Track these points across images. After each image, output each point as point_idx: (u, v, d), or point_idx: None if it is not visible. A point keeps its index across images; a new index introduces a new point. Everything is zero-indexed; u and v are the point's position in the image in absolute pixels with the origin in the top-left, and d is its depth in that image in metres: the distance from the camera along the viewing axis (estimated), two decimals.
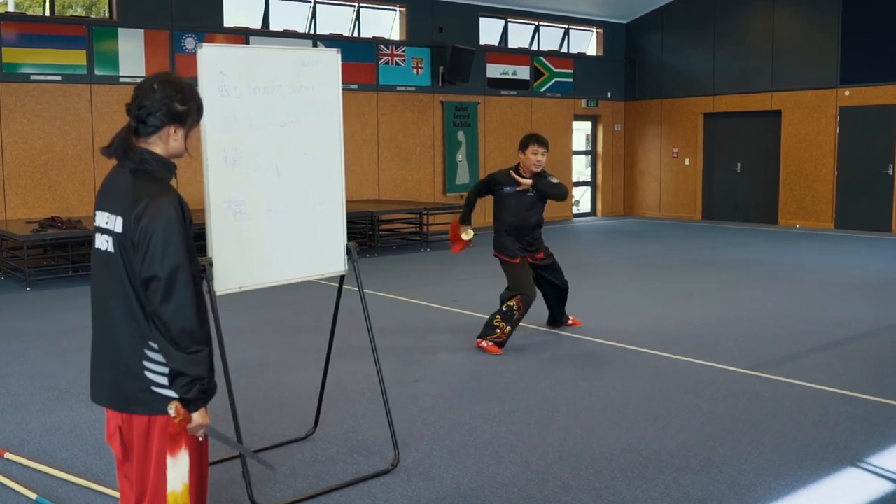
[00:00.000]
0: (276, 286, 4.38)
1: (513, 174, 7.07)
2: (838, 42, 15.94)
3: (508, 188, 7.05)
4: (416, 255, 13.10)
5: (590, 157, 19.80)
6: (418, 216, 14.04)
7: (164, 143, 2.72)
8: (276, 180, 4.18)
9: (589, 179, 19.81)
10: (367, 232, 13.30)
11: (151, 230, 2.54)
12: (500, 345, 6.80)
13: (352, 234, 13.48)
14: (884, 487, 4.18)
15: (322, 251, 4.41)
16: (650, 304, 8.93)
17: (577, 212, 19.49)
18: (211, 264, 3.95)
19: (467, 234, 7.21)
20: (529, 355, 6.75)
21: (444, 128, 16.60)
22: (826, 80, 16.16)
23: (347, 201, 14.72)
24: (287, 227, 4.25)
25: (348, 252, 4.47)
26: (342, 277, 4.57)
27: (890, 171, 15.41)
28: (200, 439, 2.70)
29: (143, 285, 2.56)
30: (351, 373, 6.21)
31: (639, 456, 4.51)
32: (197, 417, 2.60)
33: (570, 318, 7.77)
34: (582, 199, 19.80)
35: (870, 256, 12.45)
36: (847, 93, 15.85)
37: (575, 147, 19.11)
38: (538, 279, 7.24)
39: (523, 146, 7.12)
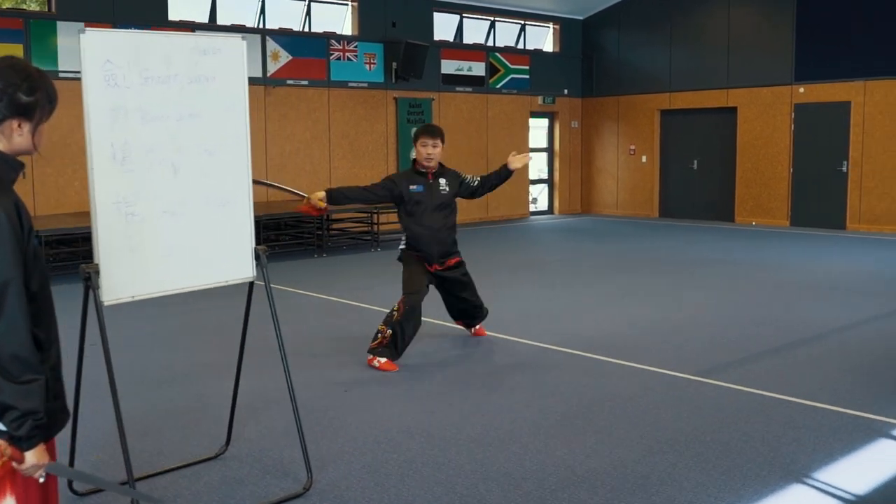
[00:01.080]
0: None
1: None
2: (793, 38, 15.83)
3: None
4: (366, 256, 12.75)
5: (547, 154, 19.53)
6: (369, 215, 13.67)
7: (7, 138, 2.36)
8: (172, 179, 3.82)
9: (546, 177, 19.56)
10: (315, 231, 12.91)
11: None
12: (390, 355, 6.25)
13: (299, 234, 13.13)
14: None
15: (227, 256, 4.06)
16: (598, 305, 8.67)
17: (534, 210, 19.23)
18: (97, 272, 3.58)
19: None
20: (469, 363, 6.44)
21: (398, 125, 16.25)
22: (781, 76, 16.05)
23: (297, 200, 14.44)
24: (186, 231, 3.88)
25: (257, 257, 4.12)
26: (251, 284, 4.22)
27: (844, 169, 15.32)
28: (41, 481, 2.33)
29: None
30: (277, 384, 5.83)
31: (573, 474, 4.21)
32: (31, 457, 2.23)
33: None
34: (539, 197, 19.54)
35: (823, 255, 12.31)
36: (802, 89, 15.75)
37: (532, 144, 18.84)
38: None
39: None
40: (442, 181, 6.54)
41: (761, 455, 4.45)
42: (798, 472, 4.24)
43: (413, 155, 6.65)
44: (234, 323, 7.64)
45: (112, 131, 3.61)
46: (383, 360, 6.24)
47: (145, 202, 3.74)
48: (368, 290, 9.65)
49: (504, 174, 6.69)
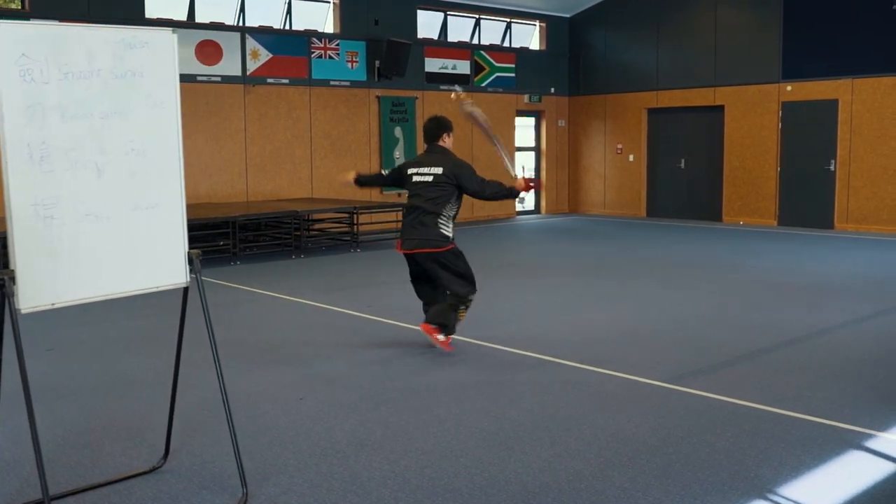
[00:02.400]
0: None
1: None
2: (780, 36, 15.65)
3: None
4: (345, 257, 12.54)
5: (534, 153, 19.32)
6: (349, 215, 13.45)
7: None
8: (96, 181, 3.61)
9: (533, 176, 19.36)
10: (292, 232, 12.70)
11: None
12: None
13: (277, 235, 12.92)
14: None
15: (157, 261, 3.84)
16: (572, 307, 8.46)
17: (521, 209, 19.04)
18: (12, 278, 3.38)
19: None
20: (432, 368, 6.22)
21: (381, 124, 16.06)
22: (768, 74, 15.87)
23: (276, 200, 14.26)
24: (111, 235, 3.67)
25: (190, 261, 3.91)
26: (186, 290, 4.01)
27: (832, 167, 15.14)
28: None
29: None
30: (231, 391, 5.62)
31: (524, 490, 4.00)
32: None
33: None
34: (527, 196, 19.32)
35: (810, 255, 12.12)
36: (789, 87, 15.56)
37: (519, 143, 18.64)
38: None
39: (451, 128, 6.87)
40: None
41: (725, 468, 4.25)
42: (762, 486, 4.03)
43: (450, 145, 6.86)
44: (191, 327, 7.40)
45: (28, 130, 3.41)
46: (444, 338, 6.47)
47: (66, 205, 3.53)
48: (338, 291, 9.45)
49: None
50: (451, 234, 6.47)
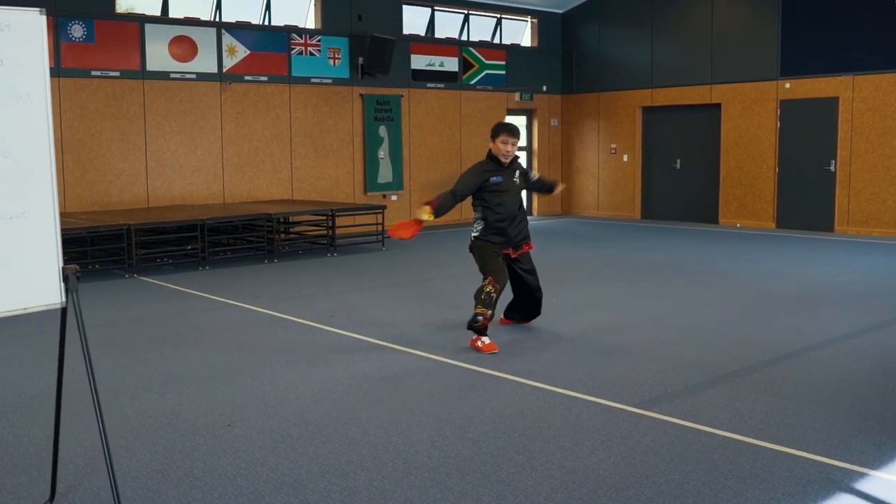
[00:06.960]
0: None
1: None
2: (778, 32, 15.08)
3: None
4: (319, 261, 11.99)
5: (525, 153, 18.76)
6: (326, 218, 12.90)
7: None
8: None
9: None
10: (265, 236, 12.17)
11: None
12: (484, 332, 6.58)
13: (250, 239, 12.40)
14: None
15: (25, 279, 3.31)
16: (547, 319, 7.88)
17: None
18: None
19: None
20: (381, 391, 5.67)
21: (364, 122, 15.52)
22: (766, 71, 15.30)
23: (253, 202, 13.72)
24: None
25: (65, 278, 3.37)
26: (64, 311, 3.47)
27: (832, 168, 14.56)
28: None
29: None
30: (154, 414, 5.09)
31: None
32: None
33: None
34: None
35: (807, 261, 11.55)
36: (788, 85, 14.99)
37: None
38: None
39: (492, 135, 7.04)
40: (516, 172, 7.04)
41: None
42: None
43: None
44: (122, 341, 6.82)
45: None
46: (487, 340, 6.56)
47: None
48: (305, 300, 8.91)
49: (548, 187, 7.71)
50: (475, 234, 6.95)
